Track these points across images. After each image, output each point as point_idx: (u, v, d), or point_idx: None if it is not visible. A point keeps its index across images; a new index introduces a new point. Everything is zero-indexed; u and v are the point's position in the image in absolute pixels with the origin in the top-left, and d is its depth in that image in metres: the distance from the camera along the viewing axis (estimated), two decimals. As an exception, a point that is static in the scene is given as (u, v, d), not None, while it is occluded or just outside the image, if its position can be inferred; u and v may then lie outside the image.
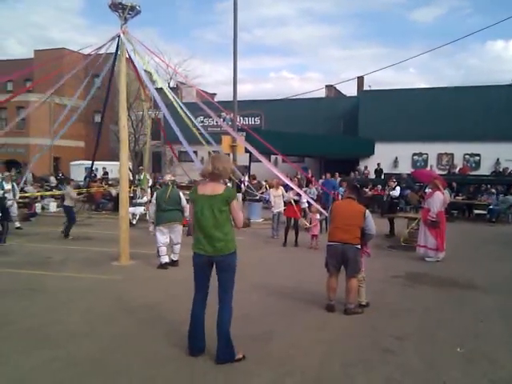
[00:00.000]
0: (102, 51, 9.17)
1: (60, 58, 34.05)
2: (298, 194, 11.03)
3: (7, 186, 13.26)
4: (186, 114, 9.77)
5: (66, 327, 5.17)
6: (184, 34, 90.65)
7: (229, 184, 12.00)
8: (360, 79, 29.21)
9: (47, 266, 8.46)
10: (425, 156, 25.71)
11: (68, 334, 4.96)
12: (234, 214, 4.26)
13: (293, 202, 11.08)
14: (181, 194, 8.56)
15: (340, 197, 16.86)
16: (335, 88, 33.63)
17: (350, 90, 68.69)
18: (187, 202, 6.11)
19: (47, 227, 11.82)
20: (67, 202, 12.23)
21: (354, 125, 26.42)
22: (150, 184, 17.24)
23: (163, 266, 8.37)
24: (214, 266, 4.27)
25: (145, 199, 14.63)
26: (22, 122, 31.73)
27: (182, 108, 9.79)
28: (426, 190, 11.86)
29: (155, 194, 8.67)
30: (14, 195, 13.29)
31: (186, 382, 3.92)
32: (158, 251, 8.43)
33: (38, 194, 17.13)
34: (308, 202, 10.95)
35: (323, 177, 19.18)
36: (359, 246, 5.76)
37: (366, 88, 29.19)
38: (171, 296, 6.51)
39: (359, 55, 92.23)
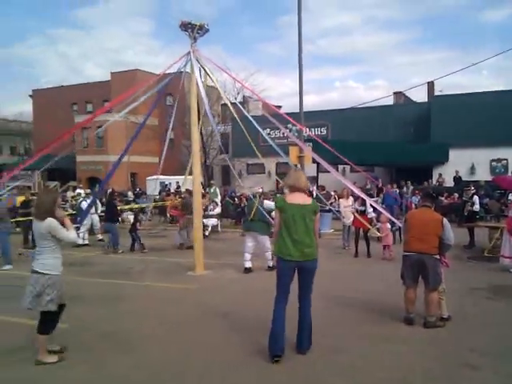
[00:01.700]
0: (173, 70, 9.64)
1: (133, 78, 36.16)
2: (364, 204, 10.85)
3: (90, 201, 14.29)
4: (255, 127, 9.98)
5: (148, 333, 5.44)
6: (248, 49, 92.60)
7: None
8: (430, 84, 28.17)
9: (129, 275, 8.96)
10: (504, 162, 24.11)
11: (145, 339, 5.22)
12: (316, 225, 4.71)
13: (357, 212, 10.93)
14: (266, 204, 9.05)
15: (414, 206, 16.32)
16: (404, 94, 32.66)
17: (418, 95, 66.27)
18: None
19: (128, 239, 12.50)
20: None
21: (426, 131, 25.42)
22: (219, 197, 17.69)
23: (246, 270, 9.00)
24: (297, 271, 4.57)
25: (217, 211, 15.04)
26: (100, 141, 33.95)
27: (250, 121, 10.01)
28: (510, 198, 11.16)
29: (247, 203, 9.28)
30: (96, 209, 14.26)
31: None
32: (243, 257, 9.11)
33: (118, 207, 18.17)
34: (378, 211, 10.71)
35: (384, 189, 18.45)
36: (438, 257, 5.55)
37: (437, 93, 28.09)
38: (246, 304, 6.66)
39: (426, 60, 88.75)
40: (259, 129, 9.99)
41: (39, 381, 4.22)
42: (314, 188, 18.29)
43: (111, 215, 12.44)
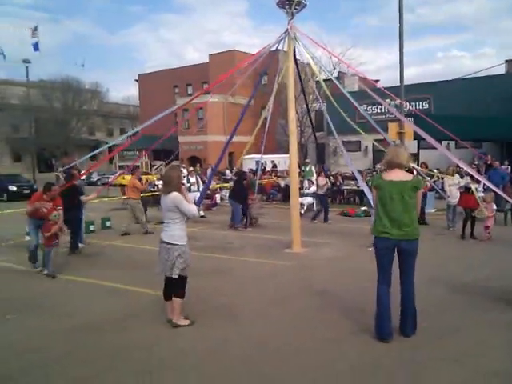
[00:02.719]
0: (270, 49, 9.68)
1: (231, 59, 36.91)
2: (474, 182, 10.14)
3: (192, 180, 15.12)
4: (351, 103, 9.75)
5: (250, 307, 5.70)
6: (344, 24, 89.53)
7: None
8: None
9: (229, 250, 9.39)
10: None
11: (253, 312, 5.47)
12: (418, 202, 4.49)
13: (474, 189, 10.21)
14: None
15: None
16: (519, 62, 29.49)
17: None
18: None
19: (226, 215, 13.06)
20: (319, 191, 13.54)
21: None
22: (315, 176, 17.63)
23: None
24: (396, 252, 4.44)
25: (312, 189, 15.06)
26: (200, 122, 35.39)
27: (347, 97, 9.78)
28: None
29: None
30: (198, 187, 15.02)
31: (367, 367, 3.99)
32: None
33: (218, 186, 18.98)
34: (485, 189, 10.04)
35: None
36: None
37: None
38: (342, 284, 6.67)
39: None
40: (356, 104, 9.73)
41: (170, 339, 4.65)
42: (415, 165, 17.50)
43: (237, 194, 12.70)
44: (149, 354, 4.34)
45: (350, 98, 9.71)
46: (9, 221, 7.71)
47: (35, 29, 33.25)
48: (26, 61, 29.39)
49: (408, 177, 4.48)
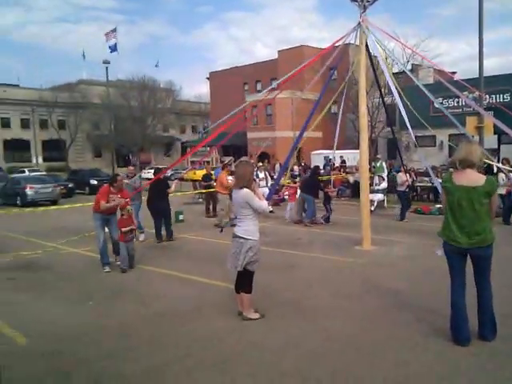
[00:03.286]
0: (339, 43, 9.53)
1: (300, 55, 36.74)
2: None
3: (261, 175, 15.30)
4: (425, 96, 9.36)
5: (322, 302, 5.72)
6: (418, 14, 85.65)
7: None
8: None
9: (298, 246, 9.43)
10: None
11: (324, 309, 5.48)
12: (492, 206, 4.16)
13: None
14: None
15: None
16: None
17: None
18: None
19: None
20: (400, 188, 13.27)
21: None
22: (386, 172, 17.16)
23: None
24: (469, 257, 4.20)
25: (383, 186, 14.69)
26: (269, 118, 35.67)
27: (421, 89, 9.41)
28: None
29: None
30: (267, 183, 15.19)
31: (444, 371, 3.86)
32: None
33: (285, 181, 19.02)
34: None
35: None
36: None
37: None
38: (412, 283, 6.49)
39: None
40: (431, 97, 9.31)
41: (241, 331, 4.81)
42: (495, 162, 16.50)
43: (310, 187, 12.72)
44: (221, 344, 4.50)
45: (425, 91, 9.32)
46: (90, 212, 8.33)
47: (113, 30, 35.18)
48: (105, 61, 31.14)
49: (480, 180, 4.07)
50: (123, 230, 7.47)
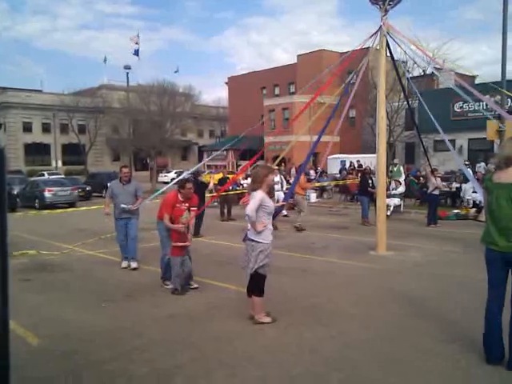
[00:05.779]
0: (360, 47, 9.45)
1: (319, 59, 36.66)
2: None
3: (276, 179, 15.22)
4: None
5: (337, 308, 5.63)
6: (441, 17, 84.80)
7: None
8: None
9: (312, 250, 9.35)
10: None
11: (339, 314, 5.40)
12: None
13: None
14: None
15: None
16: None
17: None
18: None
19: (309, 216, 13.02)
20: (433, 191, 12.91)
21: None
22: (403, 176, 16.95)
23: None
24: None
25: (400, 190, 14.51)
26: (286, 122, 35.60)
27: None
28: None
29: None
30: (282, 187, 15.12)
31: (459, 381, 3.76)
32: None
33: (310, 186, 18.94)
34: None
35: None
36: None
37: None
38: (427, 290, 6.35)
39: None
40: (481, 96, 8.76)
41: (252, 334, 4.77)
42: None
43: (363, 188, 13.47)
44: (232, 347, 4.46)
45: (475, 91, 8.67)
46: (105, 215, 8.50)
47: (137, 35, 35.84)
48: (126, 67, 31.53)
49: None
50: (179, 244, 6.29)
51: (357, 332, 4.81)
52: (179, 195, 6.36)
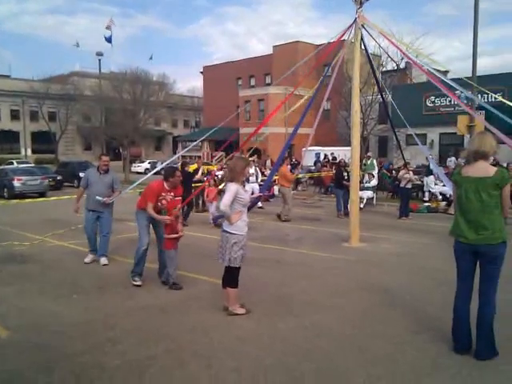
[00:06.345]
0: (334, 39, 9.50)
1: (295, 50, 36.66)
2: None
3: (251, 171, 15.23)
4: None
5: (310, 298, 5.70)
6: (414, 12, 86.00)
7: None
8: None
9: (286, 242, 9.42)
10: None
11: (312, 305, 5.47)
12: (503, 201, 3.87)
13: None
14: None
15: None
16: None
17: None
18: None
19: (281, 208, 13.09)
20: (405, 185, 13.04)
21: None
22: (376, 170, 17.22)
23: None
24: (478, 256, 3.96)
25: (373, 183, 14.74)
26: (261, 114, 35.60)
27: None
28: None
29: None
30: (257, 179, 15.14)
31: (428, 370, 3.86)
32: None
33: (276, 177, 19.00)
34: None
35: None
36: None
37: None
38: (399, 280, 6.51)
39: None
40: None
41: (227, 326, 4.79)
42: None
43: (337, 181, 13.66)
44: (206, 339, 4.47)
45: (453, 83, 8.74)
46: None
47: (111, 21, 35.03)
48: (98, 53, 30.83)
49: (489, 171, 3.84)
50: (172, 236, 6.07)
51: (329, 322, 4.90)
52: (165, 184, 6.15)
